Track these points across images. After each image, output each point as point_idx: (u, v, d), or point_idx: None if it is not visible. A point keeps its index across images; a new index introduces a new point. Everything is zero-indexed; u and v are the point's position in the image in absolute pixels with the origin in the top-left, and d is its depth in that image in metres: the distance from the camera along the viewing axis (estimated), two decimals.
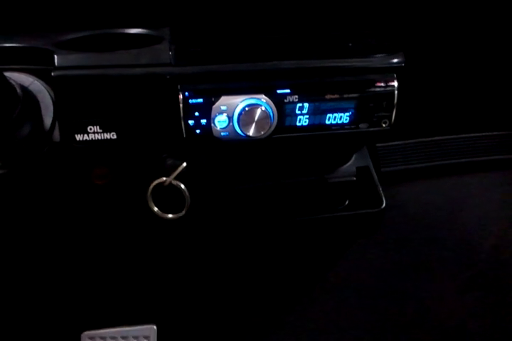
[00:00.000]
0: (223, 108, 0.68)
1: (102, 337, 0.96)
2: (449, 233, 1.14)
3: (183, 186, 0.74)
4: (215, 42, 0.74)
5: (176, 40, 0.70)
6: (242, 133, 0.69)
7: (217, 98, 0.68)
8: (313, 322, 1.03)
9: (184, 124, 0.68)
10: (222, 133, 0.69)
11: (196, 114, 0.68)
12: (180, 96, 0.67)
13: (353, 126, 0.73)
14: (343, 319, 1.03)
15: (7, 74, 0.65)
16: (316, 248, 1.07)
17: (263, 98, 0.68)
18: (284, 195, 0.89)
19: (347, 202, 0.93)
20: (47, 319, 0.98)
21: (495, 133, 1.24)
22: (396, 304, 1.05)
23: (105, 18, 0.74)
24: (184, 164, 0.74)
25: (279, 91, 0.69)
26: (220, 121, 0.68)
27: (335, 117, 0.71)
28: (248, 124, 0.68)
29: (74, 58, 0.66)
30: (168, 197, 0.76)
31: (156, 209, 0.76)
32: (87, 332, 0.96)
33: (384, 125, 0.73)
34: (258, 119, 0.68)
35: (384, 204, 0.90)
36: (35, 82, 0.67)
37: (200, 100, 0.67)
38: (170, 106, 0.67)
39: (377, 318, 1.04)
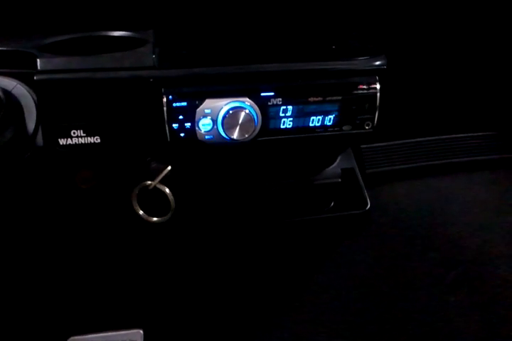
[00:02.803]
0: (207, 111, 0.68)
1: None
2: (432, 233, 1.15)
3: (167, 190, 0.74)
4: (199, 45, 0.75)
5: (159, 42, 0.70)
6: (226, 137, 0.69)
7: (201, 101, 0.68)
8: (301, 324, 1.03)
9: (168, 128, 0.68)
10: (206, 137, 0.69)
11: (180, 117, 0.68)
12: (164, 100, 0.67)
13: (336, 129, 0.73)
14: (330, 321, 1.04)
15: None
16: (302, 249, 1.07)
17: (247, 101, 0.68)
18: (270, 197, 0.90)
19: (332, 204, 0.93)
20: (33, 325, 0.97)
21: (477, 134, 1.25)
22: (382, 305, 1.06)
23: (88, 20, 0.73)
24: (169, 167, 0.74)
25: (262, 94, 0.69)
26: (204, 125, 0.68)
27: (318, 120, 0.72)
28: (232, 127, 0.68)
29: (57, 62, 0.65)
30: (153, 200, 0.76)
31: (141, 212, 0.76)
32: (73, 338, 0.95)
33: (367, 127, 0.74)
34: (242, 122, 0.68)
35: (369, 206, 0.91)
36: (18, 85, 0.67)
37: (184, 103, 0.68)
38: (154, 110, 0.67)
39: (365, 319, 1.04)
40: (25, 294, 0.98)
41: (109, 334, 0.97)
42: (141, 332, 0.98)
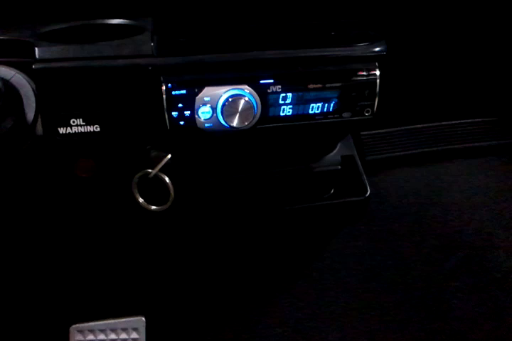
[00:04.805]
0: (207, 99, 0.68)
1: (90, 330, 0.96)
2: (432, 220, 1.15)
3: (167, 179, 0.74)
4: (198, 33, 0.74)
5: (158, 30, 0.70)
6: (225, 124, 0.69)
7: (201, 89, 0.67)
8: (299, 311, 1.04)
9: (168, 116, 0.68)
10: (206, 125, 0.69)
11: (180, 105, 0.68)
12: (163, 88, 0.67)
13: (336, 116, 0.73)
14: (328, 307, 1.04)
15: None
16: (302, 236, 1.07)
17: (246, 88, 0.68)
18: (270, 184, 0.90)
19: (332, 191, 0.93)
20: (35, 312, 0.98)
21: (476, 120, 1.25)
22: (381, 292, 1.06)
23: (86, 8, 0.73)
24: (169, 156, 0.74)
25: (262, 82, 0.69)
26: (203, 113, 0.68)
27: (318, 107, 0.72)
28: (232, 115, 0.68)
29: (55, 50, 0.65)
30: (153, 188, 0.76)
31: (141, 200, 0.76)
32: (75, 325, 0.96)
33: (367, 114, 0.74)
34: (242, 110, 0.68)
35: (368, 193, 0.91)
36: (17, 75, 0.67)
37: (184, 91, 0.67)
38: (153, 98, 0.67)
39: (363, 306, 1.05)
40: (27, 283, 0.98)
41: (111, 321, 0.97)
42: (143, 319, 0.99)
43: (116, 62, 0.66)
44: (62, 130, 0.67)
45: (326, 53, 0.71)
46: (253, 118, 0.69)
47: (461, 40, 1.01)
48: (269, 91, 0.69)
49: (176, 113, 0.68)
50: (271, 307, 1.04)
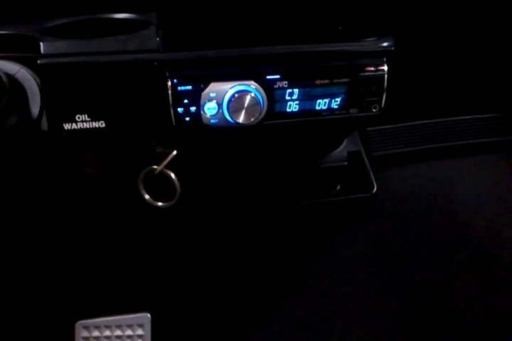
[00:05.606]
0: (212, 95, 0.67)
1: (96, 326, 0.96)
2: (439, 217, 1.15)
3: (173, 175, 0.74)
4: (204, 28, 0.74)
5: (163, 25, 0.69)
6: (231, 120, 0.68)
7: (207, 85, 0.67)
8: (305, 308, 1.04)
9: (173, 112, 0.68)
10: (211, 121, 0.69)
11: (185, 101, 0.67)
12: (169, 84, 0.66)
13: (343, 112, 0.72)
14: (334, 305, 1.04)
15: None
16: (308, 233, 1.07)
17: (252, 84, 0.68)
18: (276, 180, 0.89)
19: (339, 187, 0.93)
20: (41, 309, 0.98)
21: (484, 115, 1.24)
22: (388, 289, 1.06)
23: (91, 2, 0.72)
24: (174, 152, 0.73)
25: (268, 77, 0.68)
26: (209, 108, 0.68)
27: (325, 103, 0.71)
28: (238, 111, 0.67)
29: (60, 45, 0.65)
30: (159, 185, 0.76)
31: (147, 196, 0.76)
32: (81, 322, 0.96)
33: (374, 110, 0.73)
34: (248, 106, 0.67)
35: (375, 189, 0.90)
36: (22, 70, 0.66)
37: (189, 87, 0.67)
38: (158, 94, 0.67)
39: (369, 304, 1.05)
40: (33, 279, 0.98)
41: (117, 317, 0.98)
42: (149, 315, 0.99)
43: (121, 58, 0.65)
44: (67, 126, 0.66)
45: (333, 48, 0.70)
46: (259, 115, 0.69)
47: (468, 35, 1.00)
48: (275, 86, 0.69)
49: (182, 109, 0.68)
50: (275, 303, 1.04)
